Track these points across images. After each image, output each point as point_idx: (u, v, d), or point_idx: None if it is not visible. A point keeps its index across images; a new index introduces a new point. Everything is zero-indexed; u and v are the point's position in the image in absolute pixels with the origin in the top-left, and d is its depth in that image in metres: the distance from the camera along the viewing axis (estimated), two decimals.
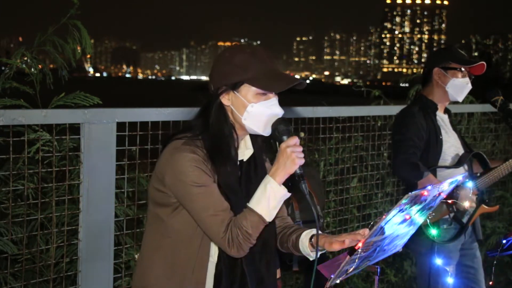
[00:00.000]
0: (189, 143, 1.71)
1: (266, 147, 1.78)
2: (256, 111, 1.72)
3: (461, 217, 2.81)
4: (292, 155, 1.64)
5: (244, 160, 1.84)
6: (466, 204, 2.73)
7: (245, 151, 1.84)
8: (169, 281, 1.76)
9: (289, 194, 1.69)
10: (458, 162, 2.87)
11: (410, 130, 2.78)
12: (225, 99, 1.75)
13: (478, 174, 2.90)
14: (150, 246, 1.81)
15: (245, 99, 1.72)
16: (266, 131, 1.73)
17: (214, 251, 1.77)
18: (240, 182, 1.79)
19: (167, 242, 1.77)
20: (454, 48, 2.96)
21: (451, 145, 2.90)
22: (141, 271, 1.82)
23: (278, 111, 1.74)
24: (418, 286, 2.97)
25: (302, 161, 1.66)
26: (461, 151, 2.92)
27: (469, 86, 2.88)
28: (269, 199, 1.65)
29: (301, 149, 1.67)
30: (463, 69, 2.86)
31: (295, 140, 1.67)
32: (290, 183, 1.70)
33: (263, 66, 1.72)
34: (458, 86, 2.85)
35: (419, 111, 2.85)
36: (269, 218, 1.67)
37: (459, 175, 2.10)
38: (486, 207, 2.88)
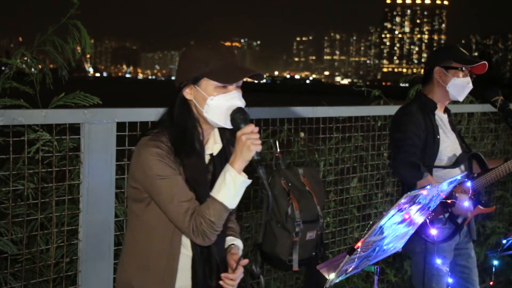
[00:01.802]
0: (154, 138, 1.78)
1: (233, 141, 1.81)
2: (215, 104, 1.77)
3: (456, 217, 2.80)
4: (247, 142, 1.69)
5: (214, 154, 1.89)
6: (465, 214, 2.74)
7: (214, 145, 1.90)
8: (146, 273, 1.83)
9: (249, 181, 1.74)
10: (455, 163, 2.85)
11: (409, 129, 2.76)
12: (187, 94, 1.81)
13: (476, 175, 2.89)
14: (129, 241, 1.89)
15: (205, 92, 1.77)
16: (228, 124, 1.78)
17: (189, 243, 1.84)
18: (213, 177, 1.84)
19: (142, 237, 1.84)
20: (456, 47, 2.94)
21: (448, 145, 2.88)
22: (122, 265, 1.91)
23: (238, 104, 1.78)
24: (413, 285, 2.96)
25: (259, 148, 1.70)
26: (458, 151, 2.91)
27: (470, 86, 2.87)
28: (228, 186, 1.71)
29: (257, 136, 1.71)
30: (464, 68, 2.84)
31: (251, 127, 1.71)
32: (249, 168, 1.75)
33: (222, 60, 1.78)
34: (459, 86, 2.84)
35: (418, 110, 2.83)
36: (231, 205, 1.73)
37: (458, 175, 2.10)
38: (482, 207, 2.87)
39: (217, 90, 1.77)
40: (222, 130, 1.90)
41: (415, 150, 2.73)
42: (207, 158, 1.88)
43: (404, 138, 2.75)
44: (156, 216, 1.80)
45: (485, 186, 2.91)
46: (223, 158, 1.87)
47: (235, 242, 1.98)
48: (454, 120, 3.16)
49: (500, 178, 2.89)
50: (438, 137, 2.83)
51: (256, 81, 1.88)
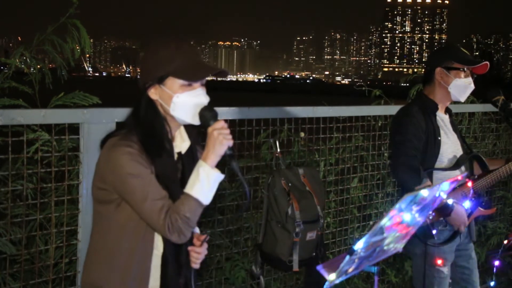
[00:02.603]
0: (124, 138, 1.78)
1: (201, 138, 1.83)
2: (182, 101, 1.78)
3: None
4: (219, 137, 1.72)
5: (183, 152, 1.90)
6: (459, 225, 2.72)
7: (182, 143, 1.91)
8: (116, 274, 1.82)
9: (222, 176, 1.75)
10: (455, 164, 2.82)
11: (410, 131, 2.74)
12: (153, 94, 1.82)
13: (476, 176, 2.87)
14: (96, 242, 1.88)
15: (171, 91, 1.79)
16: (195, 120, 1.80)
17: (159, 243, 1.84)
18: (183, 175, 1.85)
19: (112, 237, 1.83)
20: (456, 46, 2.92)
21: (449, 146, 2.86)
22: (89, 267, 1.89)
23: (204, 100, 1.80)
24: (414, 287, 2.94)
25: (230, 142, 1.73)
26: (459, 152, 2.88)
27: (471, 86, 2.85)
28: (202, 182, 1.72)
29: (228, 131, 1.74)
30: (466, 69, 2.83)
31: (221, 123, 1.75)
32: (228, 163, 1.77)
33: (186, 59, 1.79)
34: (461, 87, 2.82)
35: (418, 111, 2.80)
36: (205, 201, 1.74)
37: (459, 175, 2.09)
38: (482, 209, 2.85)
39: (183, 88, 1.79)
40: (188, 129, 1.91)
41: (415, 153, 2.70)
42: (175, 157, 1.88)
43: (404, 140, 2.72)
44: (126, 216, 1.79)
45: (486, 188, 2.89)
46: (190, 157, 1.89)
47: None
48: (455, 120, 3.14)
49: (501, 179, 2.87)
50: (439, 138, 2.80)
51: (222, 79, 1.89)
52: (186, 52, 1.81)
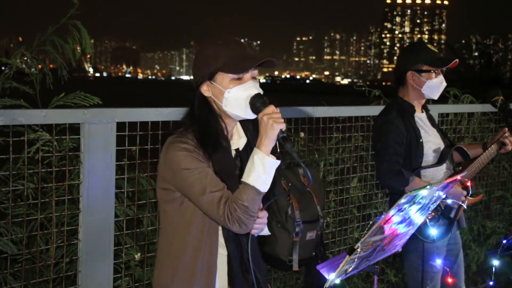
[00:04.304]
0: (180, 135, 1.79)
1: (257, 133, 1.80)
2: (233, 96, 1.78)
3: (448, 212, 2.81)
4: (269, 122, 1.69)
5: (240, 149, 1.89)
6: (460, 201, 2.73)
7: (239, 140, 1.91)
8: (184, 275, 1.83)
9: (278, 162, 1.73)
10: (440, 160, 2.85)
11: (390, 137, 2.75)
12: (205, 91, 1.82)
13: (460, 168, 2.89)
14: (163, 244, 1.89)
15: (221, 86, 1.79)
16: (249, 114, 1.78)
17: (223, 242, 1.85)
18: (241, 171, 1.82)
19: (177, 236, 1.84)
20: (424, 46, 2.89)
21: (432, 143, 2.89)
22: (158, 269, 1.90)
23: (255, 92, 1.78)
24: (405, 282, 2.96)
25: (282, 125, 1.70)
26: (442, 146, 2.91)
27: (444, 85, 2.87)
28: (257, 169, 1.70)
29: (279, 115, 1.71)
30: (436, 70, 2.84)
31: (271, 108, 1.72)
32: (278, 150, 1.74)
33: (233, 53, 1.79)
34: (434, 87, 2.84)
35: (397, 116, 2.81)
36: (263, 188, 1.72)
37: (460, 175, 2.10)
38: (471, 198, 2.87)
39: (233, 82, 1.78)
40: (244, 124, 1.91)
41: (397, 158, 2.72)
42: (233, 153, 1.88)
43: (386, 147, 2.74)
44: (190, 214, 1.80)
45: (472, 177, 2.90)
46: (249, 152, 1.86)
47: None
48: (456, 120, 3.15)
49: (484, 166, 2.90)
50: (421, 140, 2.83)
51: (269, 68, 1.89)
52: (232, 46, 1.81)
